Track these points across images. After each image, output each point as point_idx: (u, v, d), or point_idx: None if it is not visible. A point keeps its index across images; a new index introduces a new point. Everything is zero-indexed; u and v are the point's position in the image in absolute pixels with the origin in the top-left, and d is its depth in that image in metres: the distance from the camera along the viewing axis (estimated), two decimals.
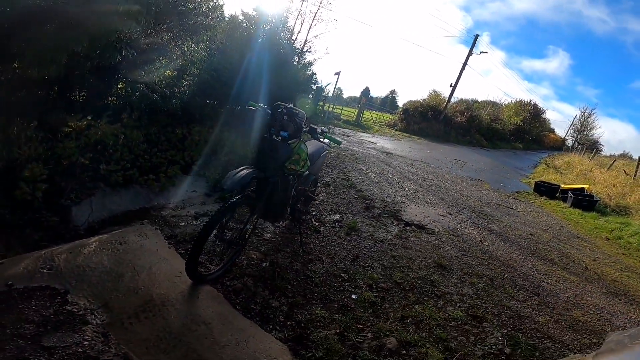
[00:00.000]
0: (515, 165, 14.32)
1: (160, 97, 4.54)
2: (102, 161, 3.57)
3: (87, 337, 1.70)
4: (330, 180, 5.11)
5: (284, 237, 2.99)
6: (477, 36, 19.86)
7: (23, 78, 3.30)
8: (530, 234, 4.76)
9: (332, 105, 15.94)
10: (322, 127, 2.34)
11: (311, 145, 2.96)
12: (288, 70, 5.59)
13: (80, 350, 1.58)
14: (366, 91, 16.85)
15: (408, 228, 3.83)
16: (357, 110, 17.57)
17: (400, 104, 29.70)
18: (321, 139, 2.40)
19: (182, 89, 4.78)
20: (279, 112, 2.15)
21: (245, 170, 2.00)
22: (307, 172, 2.82)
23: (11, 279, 1.89)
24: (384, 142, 11.57)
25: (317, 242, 3.02)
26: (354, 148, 8.55)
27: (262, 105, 2.23)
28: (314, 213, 3.70)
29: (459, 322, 2.32)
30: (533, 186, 8.64)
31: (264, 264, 2.52)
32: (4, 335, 1.57)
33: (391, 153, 9.20)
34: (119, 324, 1.77)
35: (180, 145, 4.41)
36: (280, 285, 2.28)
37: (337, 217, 3.73)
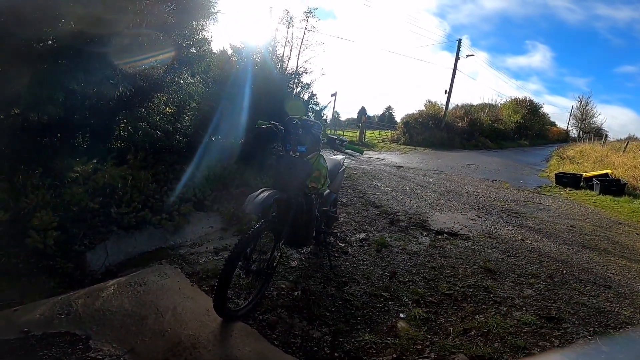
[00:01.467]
0: (528, 161, 14.08)
1: (164, 134, 4.54)
2: (112, 204, 3.48)
3: None
4: (347, 200, 4.96)
5: (311, 262, 2.79)
6: (460, 40, 20.26)
7: (24, 125, 3.29)
8: (571, 226, 4.48)
9: (332, 130, 16.10)
10: (342, 137, 2.22)
11: (328, 162, 2.85)
12: (284, 96, 5.64)
13: None
14: (363, 111, 17.07)
15: (440, 237, 3.60)
16: (358, 131, 17.68)
17: (397, 119, 30.14)
18: (341, 150, 2.26)
19: (185, 124, 4.79)
20: (294, 126, 2.04)
21: (265, 192, 1.84)
22: (328, 190, 2.69)
23: (27, 326, 1.81)
24: (391, 157, 11.50)
25: (347, 263, 2.81)
26: (364, 166, 8.46)
27: (272, 122, 2.13)
28: (338, 234, 3.51)
29: (533, 327, 2.07)
30: (554, 179, 8.38)
31: (296, 292, 2.32)
32: None
33: (402, 166, 9.08)
34: None
35: (190, 182, 4.34)
36: (318, 314, 2.06)
37: (362, 235, 3.53)
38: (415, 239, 3.47)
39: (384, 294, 2.33)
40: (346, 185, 5.93)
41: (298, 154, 2.03)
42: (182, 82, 4.80)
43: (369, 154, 11.81)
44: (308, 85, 6.67)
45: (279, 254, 2.07)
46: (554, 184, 8.09)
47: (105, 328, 1.83)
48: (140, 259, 2.90)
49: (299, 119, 2.08)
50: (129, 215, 3.28)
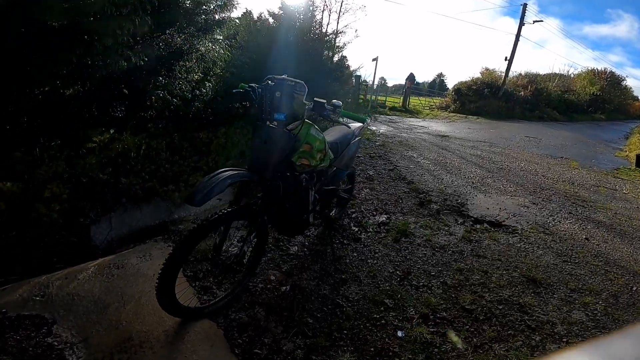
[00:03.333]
0: (603, 137, 11.76)
1: (182, 101, 4.32)
2: (122, 175, 3.40)
3: None
4: (374, 172, 4.41)
5: (314, 249, 2.42)
6: (525, 5, 17.40)
7: (46, 98, 3.24)
8: None
9: (375, 96, 15.00)
10: (335, 101, 1.66)
11: (335, 132, 2.33)
12: (317, 60, 5.02)
13: None
14: (411, 77, 15.50)
15: (478, 227, 2.97)
16: (402, 97, 16.45)
17: (449, 86, 27.70)
18: (332, 118, 1.67)
19: (204, 90, 4.52)
20: (269, 87, 1.57)
21: (226, 173, 1.44)
22: (334, 167, 2.21)
23: (6, 307, 1.76)
24: (436, 125, 10.36)
25: (355, 254, 2.38)
26: (403, 134, 7.65)
27: (253, 84, 1.65)
28: (353, 215, 3.07)
29: None
30: (634, 160, 6.80)
31: (284, 287, 1.98)
32: None
33: (447, 136, 8.06)
34: None
35: (206, 150, 4.13)
36: (298, 319, 1.71)
37: (383, 218, 3.04)
38: (445, 228, 2.89)
39: (386, 300, 1.88)
40: (376, 154, 5.33)
41: (275, 123, 1.57)
42: (202, 48, 4.46)
43: (411, 121, 10.77)
44: (341, 48, 5.97)
45: (251, 248, 1.71)
46: (634, 166, 6.55)
47: (70, 314, 1.71)
48: (141, 234, 2.77)
49: (274, 78, 1.59)
50: (136, 187, 3.17)
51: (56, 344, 1.55)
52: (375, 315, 1.77)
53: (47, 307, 1.74)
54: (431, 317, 1.79)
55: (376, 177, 4.25)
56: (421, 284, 2.07)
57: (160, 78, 4.04)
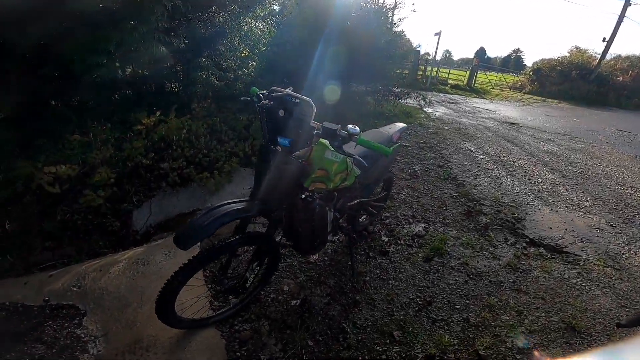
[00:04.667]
0: None
1: (225, 83, 4.32)
2: (163, 159, 3.56)
3: None
4: (421, 168, 4.04)
5: (336, 260, 2.28)
6: None
7: (98, 82, 3.45)
8: None
9: (435, 69, 13.66)
10: (350, 126, 1.35)
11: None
12: (368, 36, 4.57)
13: None
14: (481, 52, 13.91)
15: (532, 251, 2.54)
16: (468, 72, 14.77)
17: (527, 64, 24.27)
18: (341, 151, 1.35)
19: (246, 71, 4.45)
20: (270, 105, 1.35)
21: (222, 209, 1.30)
22: (364, 181, 1.98)
23: (49, 295, 1.95)
24: (506, 109, 9.13)
25: (377, 271, 2.20)
26: (463, 119, 6.88)
27: (265, 91, 1.46)
28: (387, 221, 2.84)
29: None
30: None
31: (294, 301, 1.90)
32: (20, 352, 1.54)
33: (517, 124, 7.06)
34: None
35: (245, 133, 4.13)
36: (300, 340, 1.63)
37: (419, 228, 2.77)
38: (490, 249, 2.53)
39: (395, 332, 1.69)
40: (427, 145, 4.86)
41: (279, 148, 1.39)
42: (245, 26, 4.34)
43: (475, 104, 9.64)
44: (396, 24, 5.37)
45: (254, 275, 1.63)
46: None
47: (98, 308, 1.84)
48: (175, 222, 2.90)
49: (276, 91, 1.37)
50: (174, 173, 3.30)
51: (83, 335, 1.69)
52: (378, 348, 1.61)
53: (81, 299, 1.89)
54: (437, 358, 1.57)
55: (422, 174, 3.88)
56: (440, 317, 1.83)
57: (203, 59, 4.05)
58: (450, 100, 9.65)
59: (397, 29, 5.27)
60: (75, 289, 1.97)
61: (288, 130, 1.35)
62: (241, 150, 3.80)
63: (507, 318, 1.85)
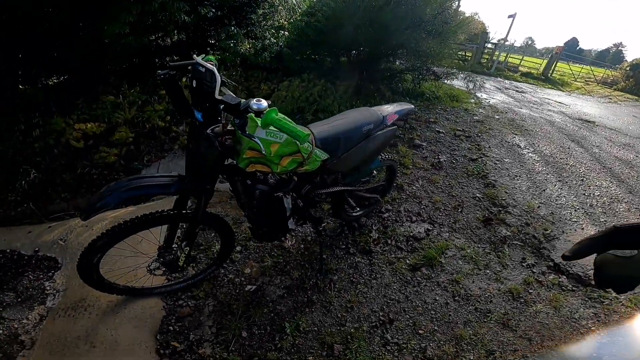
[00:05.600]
0: None
1: (252, 52, 4.16)
2: (180, 123, 3.59)
3: (29, 318, 1.57)
4: (447, 159, 3.52)
5: (312, 251, 2.08)
6: None
7: (127, 49, 3.52)
8: None
9: (505, 54, 11.87)
10: (255, 101, 1.06)
11: (344, 119, 1.71)
12: (412, 6, 3.95)
13: (8, 331, 1.45)
14: (572, 42, 11.59)
15: (551, 278, 2.03)
16: (545, 62, 12.60)
17: (629, 59, 20.24)
18: (244, 129, 1.16)
19: (273, 40, 4.21)
20: (174, 74, 1.15)
21: (134, 182, 1.20)
22: (338, 168, 1.69)
23: (40, 246, 2.06)
24: (584, 105, 7.60)
25: (351, 271, 1.94)
26: (522, 110, 5.88)
27: (198, 58, 1.22)
28: (385, 215, 2.52)
29: None
30: None
31: (249, 287, 1.77)
32: None
33: (592, 122, 5.83)
34: (56, 314, 1.57)
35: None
36: (235, 329, 1.51)
37: (420, 229, 2.40)
38: (498, 268, 2.09)
39: (337, 346, 1.46)
40: (464, 133, 4.21)
41: (197, 122, 1.19)
42: None
43: (547, 94, 8.19)
44: None
45: (185, 255, 1.49)
46: None
47: (71, 263, 1.89)
48: None
49: (194, 61, 1.14)
50: (184, 136, 3.31)
51: (48, 288, 1.75)
52: (310, 358, 1.41)
53: (62, 252, 1.96)
54: None
55: (447, 167, 3.38)
56: (395, 340, 1.53)
57: (232, 28, 3.90)
58: (516, 88, 8.32)
59: (454, 5, 4.50)
60: (61, 243, 2.06)
61: (198, 103, 1.14)
62: None
63: (472, 358, 1.49)
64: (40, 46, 3.05)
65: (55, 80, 3.78)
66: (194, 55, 1.16)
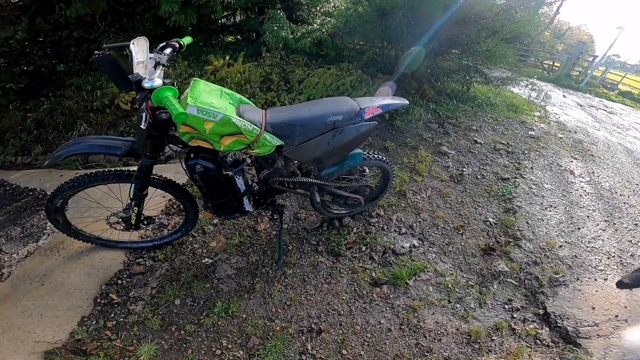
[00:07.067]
0: None
1: (293, 36, 4.11)
2: None
3: (18, 254, 1.84)
4: (473, 172, 3.11)
5: (272, 236, 2.05)
6: None
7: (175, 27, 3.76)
8: None
9: (602, 69, 9.78)
10: (147, 80, 1.05)
11: (310, 106, 1.56)
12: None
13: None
14: None
15: (530, 327, 1.66)
16: None
17: None
18: (141, 105, 1.21)
19: (317, 26, 4.07)
20: (108, 53, 1.18)
21: (90, 141, 1.33)
22: (299, 158, 1.59)
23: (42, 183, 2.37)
24: None
25: (309, 269, 1.87)
26: (599, 132, 4.86)
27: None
28: (373, 220, 2.35)
29: None
30: None
31: (206, 260, 1.83)
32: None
33: None
34: (37, 253, 1.81)
35: (297, 87, 3.94)
36: (169, 297, 1.58)
37: (404, 244, 2.19)
38: (472, 305, 1.80)
39: (254, 338, 1.41)
40: (507, 148, 3.64)
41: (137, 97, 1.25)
42: None
43: (630, 115, 6.59)
44: None
45: (134, 214, 1.57)
46: None
47: (75, 207, 2.10)
48: None
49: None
50: None
51: (47, 229, 2.00)
52: (224, 342, 1.42)
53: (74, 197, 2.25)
54: None
55: (468, 181, 3.00)
56: (313, 352, 1.43)
57: (278, 11, 3.88)
58: (605, 107, 6.87)
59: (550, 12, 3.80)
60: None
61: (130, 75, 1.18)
62: (281, 102, 3.68)
63: None
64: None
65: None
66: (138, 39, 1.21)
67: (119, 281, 1.64)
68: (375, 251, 2.10)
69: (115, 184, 1.48)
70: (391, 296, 1.78)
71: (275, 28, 3.98)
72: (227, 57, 4.08)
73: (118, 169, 1.48)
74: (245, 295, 1.67)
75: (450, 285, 1.90)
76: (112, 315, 1.47)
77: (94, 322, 1.44)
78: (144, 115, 1.21)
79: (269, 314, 1.59)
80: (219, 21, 4.21)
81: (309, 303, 1.68)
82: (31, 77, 3.41)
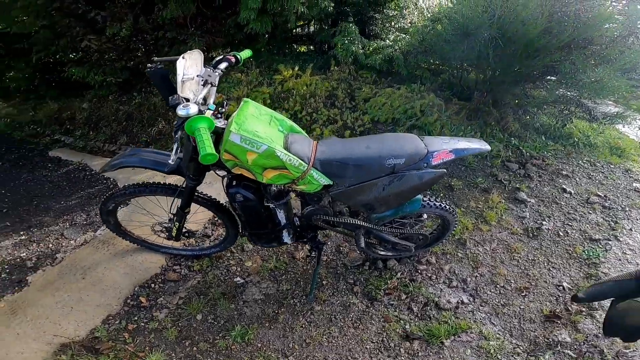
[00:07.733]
0: None
1: (363, 51, 4.00)
2: (276, 108, 3.85)
3: (76, 241, 2.04)
4: (554, 227, 2.62)
5: (323, 274, 1.95)
6: None
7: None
8: None
9: None
10: (182, 107, 0.97)
11: (369, 143, 1.38)
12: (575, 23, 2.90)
13: (55, 247, 1.95)
14: None
15: None
16: None
17: None
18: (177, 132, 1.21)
19: (390, 43, 3.89)
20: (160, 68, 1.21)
21: (143, 155, 1.41)
22: (346, 201, 1.46)
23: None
24: None
25: (339, 309, 1.71)
26: None
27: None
28: (421, 268, 2.10)
29: None
30: None
31: (238, 279, 1.82)
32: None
33: None
34: (91, 244, 1.99)
35: (362, 106, 3.81)
36: (194, 309, 1.59)
37: (454, 298, 1.89)
38: None
39: None
40: (603, 202, 2.97)
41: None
42: None
43: None
44: None
45: (175, 228, 1.60)
46: None
47: (135, 202, 2.30)
48: None
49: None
50: None
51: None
52: None
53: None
54: None
55: (546, 237, 2.51)
56: None
57: (350, 24, 3.82)
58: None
59: None
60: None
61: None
62: (343, 121, 3.60)
63: None
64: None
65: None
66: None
67: (153, 285, 1.72)
68: (416, 302, 1.86)
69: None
70: (420, 354, 1.55)
71: (346, 42, 3.92)
72: (297, 68, 4.15)
73: (166, 182, 1.55)
74: (266, 324, 1.61)
75: (492, 351, 1.59)
76: (136, 319, 1.54)
77: (117, 322, 1.52)
78: (175, 145, 1.21)
79: (285, 349, 1.50)
80: (294, 30, 4.32)
81: (330, 345, 1.55)
82: (130, 72, 3.86)
